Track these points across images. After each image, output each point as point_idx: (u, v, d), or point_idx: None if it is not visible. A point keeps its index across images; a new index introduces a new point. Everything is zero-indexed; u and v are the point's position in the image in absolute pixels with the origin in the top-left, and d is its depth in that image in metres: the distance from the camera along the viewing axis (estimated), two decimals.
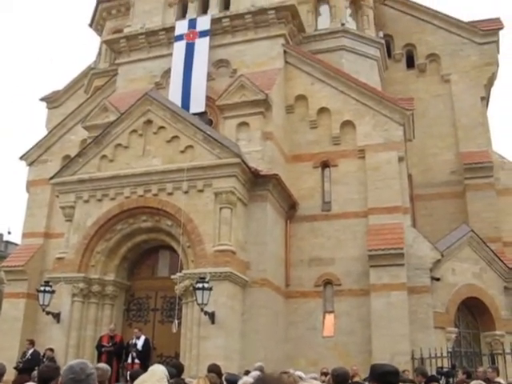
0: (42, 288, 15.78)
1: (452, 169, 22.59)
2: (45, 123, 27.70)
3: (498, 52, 23.98)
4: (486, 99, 24.16)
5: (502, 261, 18.58)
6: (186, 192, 15.71)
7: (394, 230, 16.81)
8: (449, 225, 20.40)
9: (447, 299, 17.10)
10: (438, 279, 16.84)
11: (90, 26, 27.42)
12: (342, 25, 21.82)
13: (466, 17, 25.01)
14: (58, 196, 18.06)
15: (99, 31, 27.03)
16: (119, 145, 17.16)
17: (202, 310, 13.90)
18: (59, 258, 17.00)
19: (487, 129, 23.18)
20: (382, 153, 17.92)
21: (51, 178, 17.71)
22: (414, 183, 22.03)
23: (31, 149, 22.88)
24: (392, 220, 17.04)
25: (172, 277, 15.51)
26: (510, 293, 18.38)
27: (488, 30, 23.89)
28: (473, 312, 18.29)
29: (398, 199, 17.34)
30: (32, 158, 22.83)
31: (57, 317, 15.93)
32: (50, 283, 16.02)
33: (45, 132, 25.44)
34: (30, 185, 22.60)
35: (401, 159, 17.95)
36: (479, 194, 21.29)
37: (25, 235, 21.81)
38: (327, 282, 17.35)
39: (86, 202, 16.85)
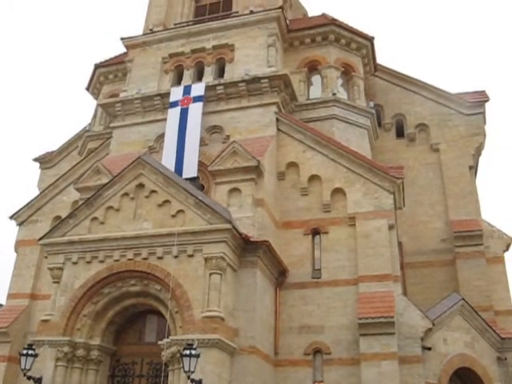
0: (25, 351, 15.30)
1: (442, 237, 22.70)
2: (37, 183, 27.82)
3: (485, 123, 24.61)
4: (474, 168, 24.57)
5: (494, 330, 18.41)
6: (176, 256, 15.67)
7: (385, 298, 16.68)
8: (439, 293, 20.36)
9: (439, 369, 16.80)
10: (429, 348, 16.62)
11: (87, 89, 27.97)
12: (334, 94, 22.36)
13: (453, 88, 25.70)
14: (46, 257, 17.92)
15: (96, 95, 27.55)
16: (110, 207, 17.20)
17: (188, 377, 13.53)
18: (44, 321, 16.67)
19: (476, 197, 23.46)
20: (373, 220, 18.02)
21: (41, 239, 17.60)
22: (404, 251, 22.12)
23: (22, 208, 22.91)
24: (382, 288, 16.96)
25: (159, 343, 15.24)
26: (503, 363, 18.11)
27: (474, 101, 24.59)
28: (466, 383, 17.96)
29: (389, 267, 17.30)
30: (22, 217, 22.83)
31: (38, 382, 15.45)
32: (34, 346, 15.60)
33: (36, 192, 25.56)
34: (19, 245, 22.49)
35: (391, 227, 18.04)
36: (469, 262, 21.34)
37: (10, 296, 21.51)
38: (317, 351, 17.06)
39: (75, 263, 16.72)
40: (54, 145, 29.14)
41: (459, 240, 21.74)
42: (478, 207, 23.13)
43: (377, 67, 25.49)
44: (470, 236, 21.66)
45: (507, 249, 22.48)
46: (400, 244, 20.55)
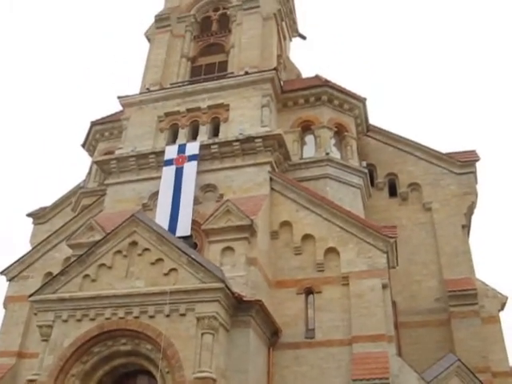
0: None
1: (436, 296, 22.57)
2: (29, 238, 27.71)
3: (476, 182, 24.88)
4: (467, 227, 24.66)
5: None
6: (167, 315, 15.48)
7: (379, 359, 16.46)
8: (435, 353, 20.09)
9: None
10: None
11: (83, 146, 28.27)
12: (327, 154, 22.67)
13: (444, 147, 26.13)
14: (36, 314, 17.62)
15: (91, 151, 27.81)
16: (103, 265, 17.07)
17: None
18: (31, 381, 16.26)
19: (470, 256, 23.44)
20: (366, 280, 17.96)
21: (31, 295, 17.36)
22: (398, 311, 21.93)
23: (13, 264, 22.77)
24: (377, 348, 16.75)
25: None
26: None
27: (465, 161, 24.94)
28: None
29: (383, 327, 17.13)
30: (13, 273, 22.65)
31: None
32: None
33: (28, 247, 25.41)
34: (9, 301, 22.21)
35: (385, 286, 17.96)
36: (465, 322, 21.18)
37: None
38: None
39: (65, 321, 16.46)
40: (48, 200, 29.25)
41: (453, 299, 21.62)
42: (471, 266, 23.10)
43: (369, 127, 25.95)
44: (465, 295, 21.56)
45: (502, 308, 22.36)
46: (394, 303, 20.40)
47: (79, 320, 16.34)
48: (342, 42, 77.91)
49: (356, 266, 18.30)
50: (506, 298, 22.42)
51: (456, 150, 25.67)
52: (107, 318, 16.08)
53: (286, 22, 31.21)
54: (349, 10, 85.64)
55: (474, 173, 24.85)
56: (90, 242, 19.05)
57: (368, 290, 17.76)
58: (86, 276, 17.02)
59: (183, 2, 29.06)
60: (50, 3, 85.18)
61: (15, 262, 22.78)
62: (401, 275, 22.34)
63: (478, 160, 24.95)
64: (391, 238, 18.69)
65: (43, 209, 28.40)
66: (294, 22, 34.25)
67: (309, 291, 18.57)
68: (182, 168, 21.09)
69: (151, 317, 15.63)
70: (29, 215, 28.49)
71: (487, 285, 22.60)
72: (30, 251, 23.37)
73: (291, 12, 33.56)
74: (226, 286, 15.51)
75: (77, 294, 16.68)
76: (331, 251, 18.88)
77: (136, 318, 15.78)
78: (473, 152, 25.35)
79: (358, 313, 17.43)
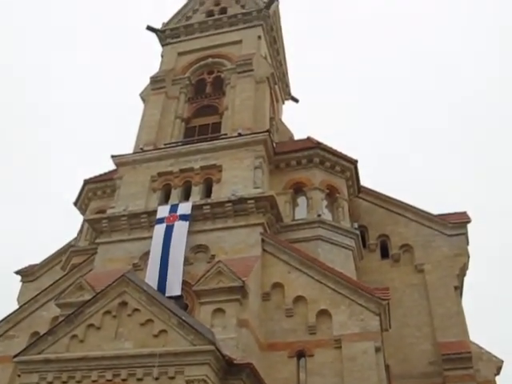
0: None
1: (430, 359, 22.22)
2: (17, 296, 27.34)
3: (468, 243, 24.90)
4: (459, 288, 24.54)
5: None
6: (156, 378, 15.14)
7: None
8: None
9: None
10: None
11: (75, 204, 28.28)
12: (319, 216, 22.76)
13: (436, 208, 26.33)
14: (19, 375, 17.15)
15: (83, 210, 27.80)
16: (91, 325, 16.79)
17: None
18: None
19: (463, 318, 23.21)
20: (359, 343, 17.72)
21: (16, 356, 16.96)
22: (391, 374, 21.41)
23: None
24: None
25: None
26: None
27: (456, 223, 25.07)
28: None
29: None
30: None
31: None
32: None
33: (16, 306, 25.01)
34: None
35: (377, 349, 17.69)
36: None
37: None
38: None
39: (50, 383, 16.03)
40: (37, 258, 29.15)
41: (448, 363, 21.28)
42: (465, 328, 22.83)
43: (360, 189, 26.17)
44: (459, 358, 21.23)
45: (498, 372, 21.94)
46: (387, 367, 19.98)
47: (65, 382, 15.92)
48: (334, 103, 79.34)
49: (348, 329, 18.08)
50: (502, 361, 22.04)
51: (447, 212, 25.86)
52: (94, 381, 15.69)
53: (278, 86, 32.02)
54: (340, 73, 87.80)
55: (466, 234, 24.93)
56: (79, 302, 18.80)
57: (361, 353, 17.48)
58: (74, 336, 16.71)
59: (178, 64, 29.79)
60: (42, 61, 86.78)
61: (1, 321, 22.32)
62: (394, 338, 22.00)
63: (469, 222, 25.09)
64: (384, 299, 18.57)
65: (32, 266, 28.16)
66: (287, 86, 35.17)
67: (301, 354, 18.26)
68: (173, 226, 21.10)
69: (139, 379, 15.26)
70: (17, 272, 28.22)
71: (482, 348, 22.29)
72: (16, 310, 22.97)
73: (284, 75, 34.52)
74: (217, 348, 15.26)
75: (63, 354, 16.33)
76: (323, 313, 18.68)
77: (124, 380, 15.41)
78: (464, 213, 25.52)
79: (351, 377, 17.10)
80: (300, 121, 36.79)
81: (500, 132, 76.40)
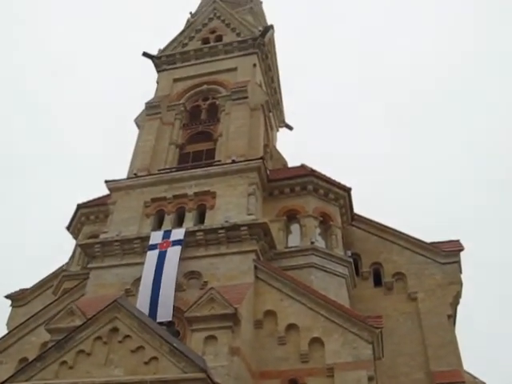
0: None
1: None
2: (6, 321, 27.04)
3: (461, 272, 24.86)
4: (453, 317, 24.44)
5: None
6: None
7: None
8: None
9: None
10: None
11: (68, 228, 28.13)
12: (312, 243, 22.73)
13: (429, 236, 26.36)
14: None
15: (75, 234, 27.67)
16: (82, 351, 16.56)
17: None
18: None
19: (456, 347, 23.01)
20: (351, 372, 17.53)
21: (3, 383, 16.71)
22: None
23: None
24: None
25: None
26: None
27: (449, 251, 25.07)
28: None
29: None
30: None
31: None
32: None
33: (4, 331, 24.73)
34: None
35: (370, 379, 17.49)
36: None
37: None
38: None
39: None
40: (28, 282, 28.98)
41: None
42: (459, 357, 22.60)
43: (354, 217, 26.21)
44: None
45: None
46: None
47: None
48: (327, 131, 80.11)
49: (341, 357, 17.92)
50: None
51: (440, 239, 25.85)
52: None
53: (273, 113, 32.30)
54: (333, 101, 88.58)
55: (459, 262, 24.90)
56: (69, 327, 18.63)
57: (354, 382, 17.29)
58: (64, 363, 16.45)
59: (174, 91, 30.04)
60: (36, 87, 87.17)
61: None
62: (387, 367, 21.80)
63: (462, 250, 25.07)
64: (377, 328, 18.47)
65: (23, 291, 27.91)
66: (281, 113, 35.47)
67: (293, 383, 18.03)
68: (166, 252, 21.05)
69: None
70: (7, 297, 27.95)
71: (476, 377, 22.21)
72: (5, 335, 22.68)
73: (278, 103, 34.85)
74: (208, 376, 15.07)
75: (52, 381, 16.06)
76: (316, 341, 18.53)
77: None
78: (457, 242, 25.52)
79: None
80: (294, 149, 37.04)
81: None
